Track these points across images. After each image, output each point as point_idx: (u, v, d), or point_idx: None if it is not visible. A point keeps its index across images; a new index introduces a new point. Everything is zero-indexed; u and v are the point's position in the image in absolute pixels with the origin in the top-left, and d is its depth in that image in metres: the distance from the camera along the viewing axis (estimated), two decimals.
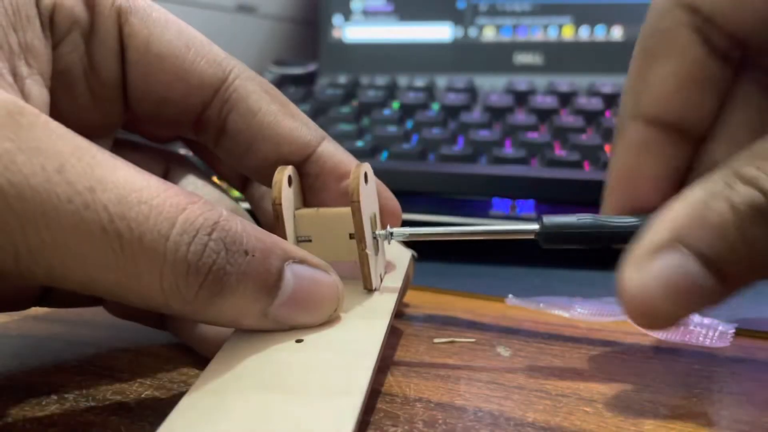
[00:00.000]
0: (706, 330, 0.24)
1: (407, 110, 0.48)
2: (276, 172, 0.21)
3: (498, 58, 0.56)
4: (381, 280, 0.23)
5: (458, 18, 0.57)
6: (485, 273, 0.34)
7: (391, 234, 0.22)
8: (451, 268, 0.34)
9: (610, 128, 0.41)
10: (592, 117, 0.44)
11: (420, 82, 0.53)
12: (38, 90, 0.18)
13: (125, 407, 0.19)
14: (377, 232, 0.22)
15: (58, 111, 0.19)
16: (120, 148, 0.24)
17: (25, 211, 0.15)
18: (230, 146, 0.22)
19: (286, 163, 0.22)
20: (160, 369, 0.22)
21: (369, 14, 0.59)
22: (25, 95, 0.18)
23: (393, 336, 0.25)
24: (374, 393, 0.20)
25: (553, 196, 0.36)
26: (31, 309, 0.24)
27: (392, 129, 0.44)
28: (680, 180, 0.23)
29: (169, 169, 0.25)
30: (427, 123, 0.45)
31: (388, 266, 0.24)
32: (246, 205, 0.27)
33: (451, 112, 0.47)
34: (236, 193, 0.28)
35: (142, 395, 0.20)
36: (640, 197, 0.23)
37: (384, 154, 0.41)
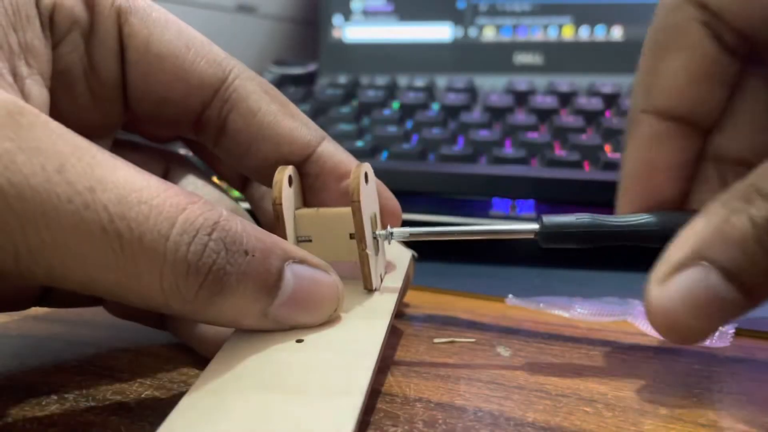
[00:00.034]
0: None
1: (407, 110, 0.48)
2: (276, 172, 0.21)
3: (498, 58, 0.56)
4: (381, 280, 0.23)
5: (458, 18, 0.57)
6: (485, 273, 0.34)
7: (392, 234, 0.22)
8: (451, 268, 0.34)
9: (610, 128, 0.41)
10: (592, 117, 0.44)
11: (420, 82, 0.53)
12: (38, 90, 0.18)
13: (125, 407, 0.19)
14: (377, 232, 0.22)
15: (58, 111, 0.19)
16: (120, 148, 0.24)
17: (25, 211, 0.15)
18: (230, 146, 0.22)
19: (286, 163, 0.22)
20: (160, 369, 0.22)
21: (369, 14, 0.59)
22: (25, 95, 0.18)
23: (393, 336, 0.25)
24: (374, 393, 0.20)
25: (553, 196, 0.36)
26: (31, 309, 0.24)
27: (392, 129, 0.44)
28: (691, 172, 0.24)
29: (169, 169, 0.25)
30: (427, 123, 0.45)
31: (389, 266, 0.24)
32: (246, 205, 0.27)
33: (451, 112, 0.47)
34: (236, 193, 0.28)
35: (142, 395, 0.20)
36: (656, 190, 0.24)
37: (384, 154, 0.41)
